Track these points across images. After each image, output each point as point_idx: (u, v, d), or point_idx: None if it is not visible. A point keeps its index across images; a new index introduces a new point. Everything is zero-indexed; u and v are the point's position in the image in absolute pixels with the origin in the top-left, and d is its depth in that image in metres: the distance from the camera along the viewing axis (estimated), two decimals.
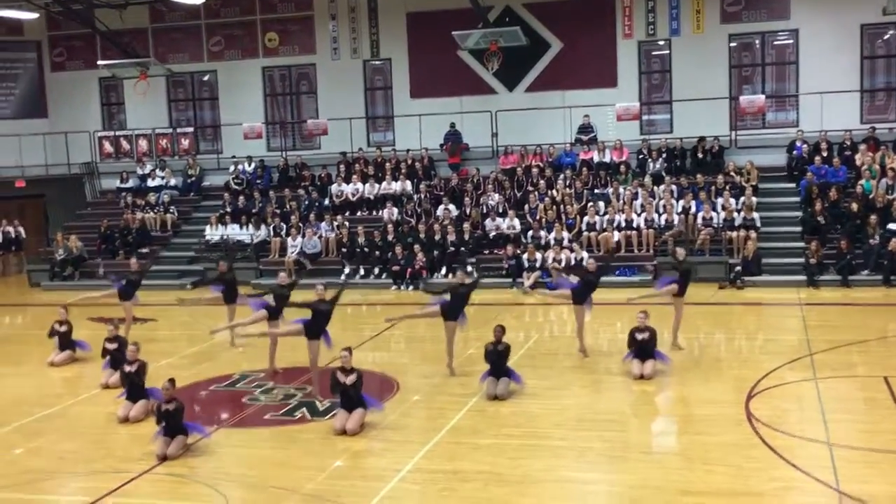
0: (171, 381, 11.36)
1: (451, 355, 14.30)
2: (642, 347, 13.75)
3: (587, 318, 15.23)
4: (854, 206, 21.83)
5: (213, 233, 25.95)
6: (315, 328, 13.19)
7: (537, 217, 23.78)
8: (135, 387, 12.61)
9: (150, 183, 28.74)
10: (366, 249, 24.03)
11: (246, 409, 13.05)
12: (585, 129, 26.08)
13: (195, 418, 12.14)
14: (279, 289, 15.14)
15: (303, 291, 15.10)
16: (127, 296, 17.32)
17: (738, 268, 21.41)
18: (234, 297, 16.70)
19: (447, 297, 14.26)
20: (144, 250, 25.04)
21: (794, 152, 24.17)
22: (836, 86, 24.15)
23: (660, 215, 23.08)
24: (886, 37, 24.83)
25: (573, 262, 22.07)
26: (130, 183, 28.94)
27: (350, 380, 11.73)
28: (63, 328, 16.38)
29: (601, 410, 12.41)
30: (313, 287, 13.89)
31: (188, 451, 11.11)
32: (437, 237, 23.79)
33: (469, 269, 14.19)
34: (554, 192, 24.52)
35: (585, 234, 23.09)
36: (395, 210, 25.32)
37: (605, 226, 23.14)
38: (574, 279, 15.75)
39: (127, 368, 12.82)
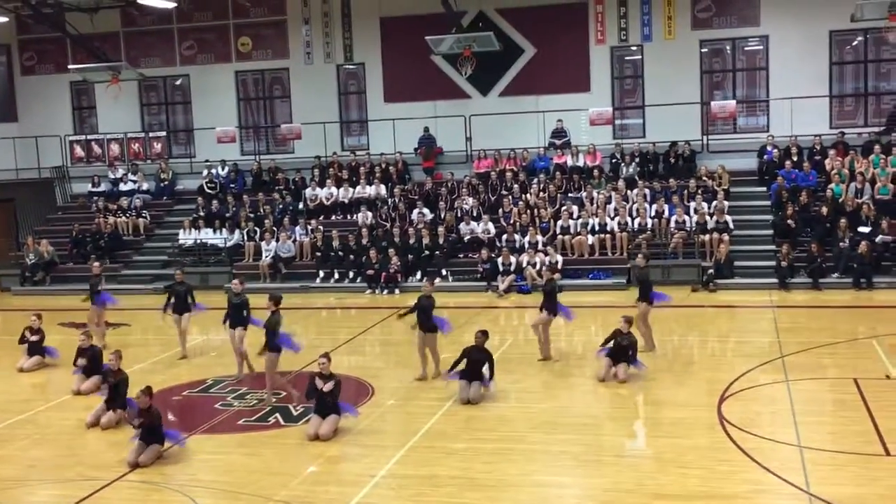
0: (147, 389, 11.27)
1: (426, 363, 14.29)
2: (621, 350, 13.81)
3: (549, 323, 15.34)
4: (824, 210, 22.06)
5: (186, 237, 25.80)
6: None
7: (511, 221, 23.85)
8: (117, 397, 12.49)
9: (123, 187, 28.53)
10: (340, 253, 23.99)
11: (219, 414, 12.98)
12: (559, 133, 26.19)
13: (168, 424, 12.04)
14: (234, 297, 14.88)
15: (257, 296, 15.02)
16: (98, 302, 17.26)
17: (711, 271, 21.57)
18: (184, 309, 16.51)
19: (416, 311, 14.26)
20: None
21: (765, 157, 24.39)
22: (806, 91, 24.40)
23: (633, 219, 23.21)
24: (855, 43, 25.10)
25: (547, 266, 22.18)
26: (102, 187, 28.72)
27: (328, 387, 11.70)
28: (34, 337, 16.23)
29: (575, 414, 12.46)
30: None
31: (161, 459, 11.03)
32: (411, 241, 23.80)
33: (437, 279, 14.09)
34: (528, 196, 24.60)
35: (559, 237, 23.18)
36: (370, 214, 25.30)
37: (578, 229, 23.24)
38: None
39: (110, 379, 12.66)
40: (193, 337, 17.60)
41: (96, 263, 18.95)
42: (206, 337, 18.20)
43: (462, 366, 13.11)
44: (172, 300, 16.52)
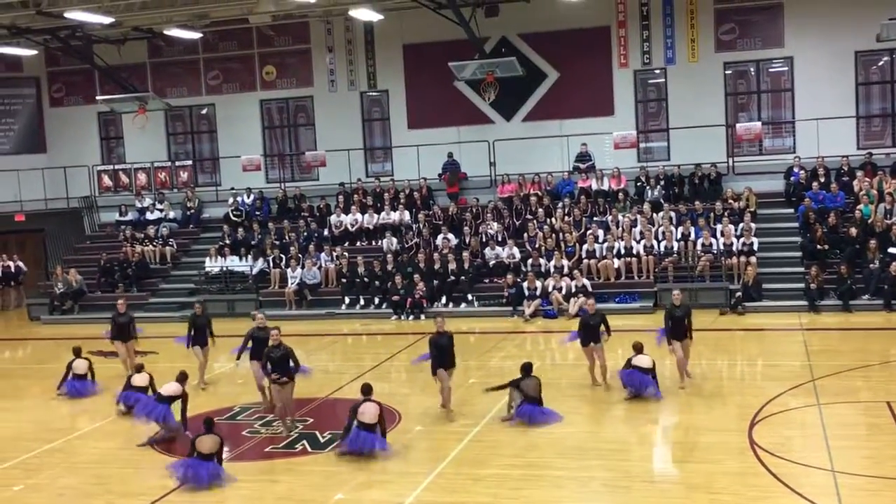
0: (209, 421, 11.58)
1: (447, 399, 13.67)
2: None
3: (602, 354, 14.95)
4: (853, 231, 21.85)
5: (212, 265, 25.94)
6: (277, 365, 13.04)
7: (536, 245, 23.80)
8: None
9: (149, 216, 28.76)
10: (365, 279, 24.01)
11: (246, 441, 12.98)
12: (583, 157, 26.15)
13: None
14: (258, 332, 14.36)
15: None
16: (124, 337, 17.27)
17: (739, 294, 21.39)
18: (205, 341, 16.28)
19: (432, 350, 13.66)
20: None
21: (792, 178, 24.22)
22: (832, 112, 24.24)
23: (659, 242, 23.09)
24: (881, 63, 24.96)
25: (574, 290, 22.11)
26: (129, 216, 28.97)
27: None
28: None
29: (603, 439, 12.35)
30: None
31: (186, 486, 11.02)
32: (436, 266, 23.79)
33: (439, 319, 13.81)
34: (553, 220, 24.55)
35: (585, 261, 23.09)
36: (395, 240, 25.34)
37: (604, 253, 23.14)
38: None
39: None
40: (221, 364, 17.63)
41: (120, 301, 17.99)
42: (236, 364, 18.20)
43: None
44: (193, 332, 16.22)
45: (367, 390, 12.20)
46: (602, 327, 14.83)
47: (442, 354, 13.52)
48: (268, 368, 12.93)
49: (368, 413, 11.82)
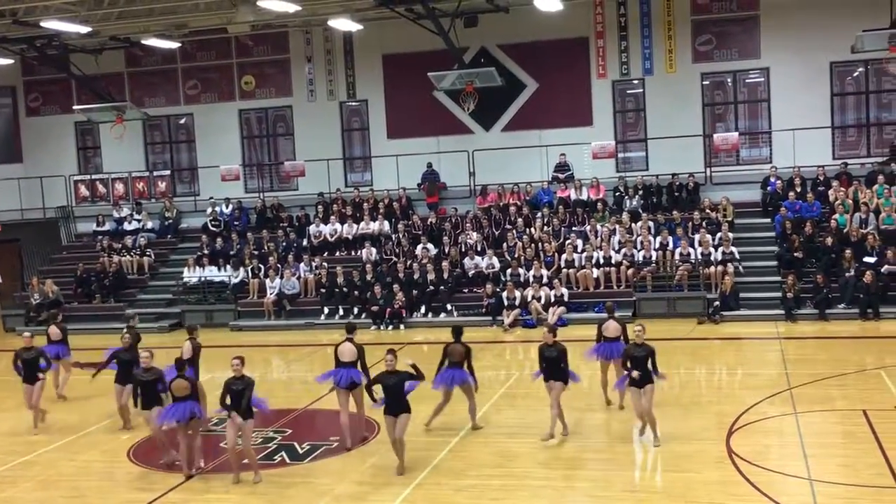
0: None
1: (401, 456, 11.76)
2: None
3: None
4: (829, 241, 22.03)
5: (190, 275, 25.81)
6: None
7: (516, 255, 23.84)
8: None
9: (127, 226, 28.58)
10: (344, 290, 23.96)
11: (225, 453, 12.88)
12: (562, 167, 26.25)
13: (173, 465, 12.01)
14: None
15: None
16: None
17: (717, 303, 21.51)
18: (128, 379, 13.87)
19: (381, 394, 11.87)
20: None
21: (769, 188, 24.41)
22: (808, 122, 24.46)
23: (638, 251, 23.19)
24: (856, 74, 25.22)
25: (553, 300, 22.16)
26: (107, 226, 28.77)
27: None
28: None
29: (582, 448, 12.36)
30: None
31: (166, 497, 10.94)
32: (415, 276, 23.78)
33: (390, 357, 11.77)
34: (532, 230, 24.61)
35: (564, 271, 23.15)
36: (374, 250, 25.31)
37: (583, 263, 23.21)
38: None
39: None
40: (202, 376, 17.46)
41: (26, 334, 15.45)
42: (212, 375, 18.10)
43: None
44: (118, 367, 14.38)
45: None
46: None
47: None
48: (226, 402, 11.59)
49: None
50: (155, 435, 12.37)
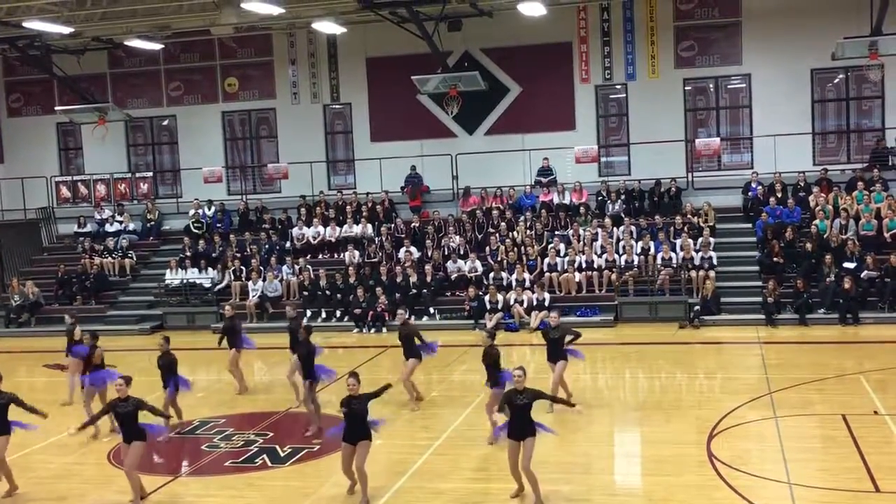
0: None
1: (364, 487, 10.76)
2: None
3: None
4: (809, 246, 22.18)
5: (172, 277, 25.72)
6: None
7: (498, 259, 23.89)
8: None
9: (109, 228, 28.45)
10: (327, 292, 23.94)
11: (206, 456, 12.86)
12: (545, 171, 26.31)
13: (154, 467, 11.94)
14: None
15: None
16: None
17: (698, 307, 21.62)
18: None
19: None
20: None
21: (750, 193, 24.56)
22: (789, 128, 24.62)
23: (620, 256, 23.28)
24: (836, 81, 25.42)
25: (535, 303, 22.22)
26: (88, 228, 28.61)
27: None
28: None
29: (564, 453, 12.39)
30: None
31: (146, 499, 10.89)
32: (398, 280, 23.79)
33: (352, 381, 10.97)
34: (515, 233, 24.67)
35: (547, 275, 23.21)
36: (357, 253, 25.30)
37: (565, 266, 23.28)
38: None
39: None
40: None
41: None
42: (193, 378, 18.06)
43: None
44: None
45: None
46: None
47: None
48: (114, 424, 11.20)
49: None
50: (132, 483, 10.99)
